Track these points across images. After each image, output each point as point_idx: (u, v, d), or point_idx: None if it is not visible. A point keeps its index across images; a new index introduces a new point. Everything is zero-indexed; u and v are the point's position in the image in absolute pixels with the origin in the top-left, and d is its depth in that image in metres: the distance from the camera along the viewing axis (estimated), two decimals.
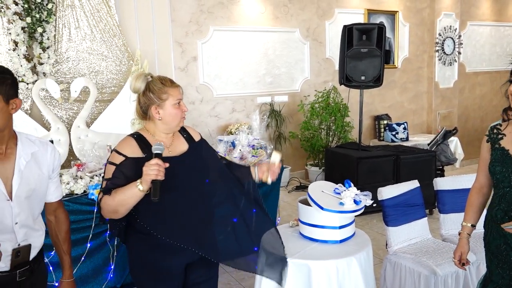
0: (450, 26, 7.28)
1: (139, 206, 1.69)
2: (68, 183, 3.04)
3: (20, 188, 1.55)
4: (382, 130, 6.75)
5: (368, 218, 4.52)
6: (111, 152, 1.76)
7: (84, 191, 3.07)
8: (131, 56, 4.67)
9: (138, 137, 1.76)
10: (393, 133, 6.45)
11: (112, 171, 1.67)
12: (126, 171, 1.66)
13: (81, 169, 3.22)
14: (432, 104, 7.43)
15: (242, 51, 5.81)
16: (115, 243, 3.18)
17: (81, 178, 3.11)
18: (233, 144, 3.81)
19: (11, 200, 1.53)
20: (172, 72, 5.24)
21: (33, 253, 1.63)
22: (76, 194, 3.04)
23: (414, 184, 2.90)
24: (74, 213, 3.02)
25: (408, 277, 2.58)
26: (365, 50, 4.74)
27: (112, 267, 3.20)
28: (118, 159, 1.68)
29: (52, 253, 2.82)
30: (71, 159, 4.07)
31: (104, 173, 1.74)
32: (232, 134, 4.99)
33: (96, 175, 3.17)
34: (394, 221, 2.75)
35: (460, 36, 7.40)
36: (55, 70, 4.39)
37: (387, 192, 2.75)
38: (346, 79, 4.82)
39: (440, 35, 7.21)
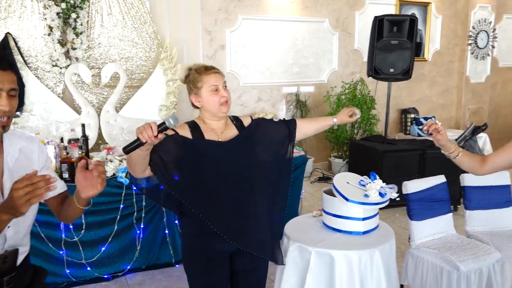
0: (485, 19, 7.06)
1: (186, 189, 1.76)
2: None
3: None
4: (409, 124, 6.65)
5: (390, 211, 4.50)
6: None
7: (113, 174, 3.17)
8: (160, 43, 4.74)
9: (192, 124, 1.85)
10: (420, 127, 6.34)
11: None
12: (173, 142, 1.73)
13: (110, 153, 3.32)
14: (462, 99, 7.26)
15: (270, 41, 5.81)
16: (142, 226, 3.28)
17: (110, 161, 3.21)
18: None
19: (3, 198, 1.38)
20: (200, 60, 5.29)
21: (20, 258, 1.48)
22: (106, 176, 3.14)
23: (440, 179, 2.86)
24: (104, 195, 3.11)
25: (430, 272, 2.57)
26: (395, 42, 4.66)
27: (138, 248, 3.30)
28: (170, 132, 1.75)
29: None
30: (100, 143, 4.20)
31: None
32: None
33: (125, 159, 3.26)
34: (418, 215, 2.73)
35: (494, 30, 7.17)
36: (87, 55, 4.50)
37: (413, 186, 2.73)
38: (375, 71, 4.76)
39: (473, 28, 7.01)
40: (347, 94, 5.82)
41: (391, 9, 6.44)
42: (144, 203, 3.25)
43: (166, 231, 3.37)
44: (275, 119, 2.04)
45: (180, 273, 3.32)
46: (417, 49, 6.60)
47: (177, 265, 3.41)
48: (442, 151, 1.93)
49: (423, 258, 2.61)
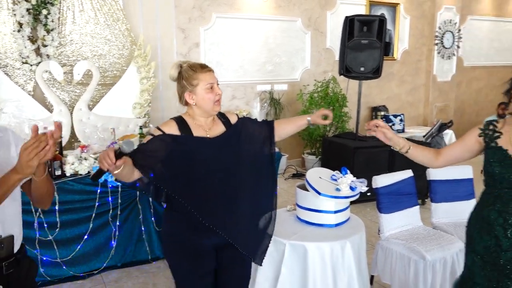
0: (450, 20, 7.34)
1: (175, 185, 1.78)
2: (73, 164, 3.12)
3: None
4: None
5: (362, 206, 4.64)
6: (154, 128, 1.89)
7: (88, 172, 3.16)
8: (134, 41, 4.72)
9: (179, 120, 1.87)
10: (390, 124, 6.55)
11: (148, 139, 1.80)
12: (160, 142, 1.77)
13: (85, 151, 3.31)
14: (429, 97, 7.52)
15: (244, 39, 5.86)
16: (117, 223, 3.28)
17: (85, 159, 3.20)
18: None
19: None
20: (174, 58, 5.30)
21: (16, 245, 1.54)
22: (80, 174, 3.13)
23: (407, 173, 2.99)
24: (78, 192, 3.12)
25: (398, 262, 2.70)
26: (365, 41, 4.80)
27: (114, 246, 3.31)
28: (157, 133, 1.81)
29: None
30: (73, 141, 4.16)
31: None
32: None
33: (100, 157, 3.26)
34: (387, 208, 2.86)
35: (459, 30, 7.47)
36: (58, 52, 4.44)
37: (382, 180, 2.85)
38: (346, 70, 4.89)
39: (440, 28, 7.28)
40: (320, 92, 5.94)
41: (362, 9, 6.60)
42: (119, 201, 3.25)
43: (142, 228, 3.38)
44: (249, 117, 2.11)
45: (156, 270, 3.35)
46: (386, 49, 6.81)
47: (154, 262, 3.43)
48: (392, 147, 1.94)
49: (392, 249, 2.74)
